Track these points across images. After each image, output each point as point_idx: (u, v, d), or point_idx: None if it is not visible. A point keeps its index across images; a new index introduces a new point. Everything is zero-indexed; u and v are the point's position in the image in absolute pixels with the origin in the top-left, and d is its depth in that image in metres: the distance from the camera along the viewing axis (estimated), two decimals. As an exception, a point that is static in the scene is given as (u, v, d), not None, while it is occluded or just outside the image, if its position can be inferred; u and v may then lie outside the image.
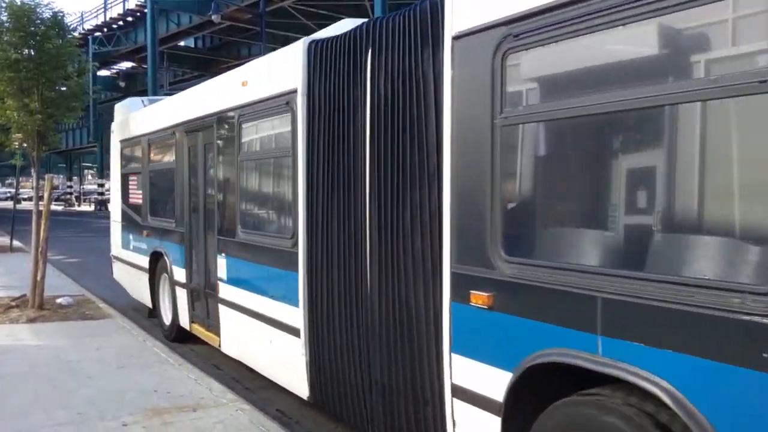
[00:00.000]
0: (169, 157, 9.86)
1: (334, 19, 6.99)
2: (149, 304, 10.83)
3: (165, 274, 10.03)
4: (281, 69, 6.62)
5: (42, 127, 11.42)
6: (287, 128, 6.41)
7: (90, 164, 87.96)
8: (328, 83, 5.82)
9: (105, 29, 52.56)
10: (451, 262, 4.38)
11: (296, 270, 6.18)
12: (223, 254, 7.78)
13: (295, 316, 6.23)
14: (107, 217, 49.82)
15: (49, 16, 11.48)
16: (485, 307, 4.06)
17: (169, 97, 10.33)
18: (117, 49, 52.76)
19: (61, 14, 11.61)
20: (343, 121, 5.63)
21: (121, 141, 12.01)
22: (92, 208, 62.11)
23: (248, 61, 7.99)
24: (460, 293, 4.30)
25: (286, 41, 8.64)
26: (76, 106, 11.99)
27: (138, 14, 48.34)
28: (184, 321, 9.33)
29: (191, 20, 44.72)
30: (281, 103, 6.46)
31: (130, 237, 11.48)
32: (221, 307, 7.92)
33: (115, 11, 51.60)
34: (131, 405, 6.49)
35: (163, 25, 45.56)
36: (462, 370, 4.31)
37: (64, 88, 11.83)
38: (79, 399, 6.72)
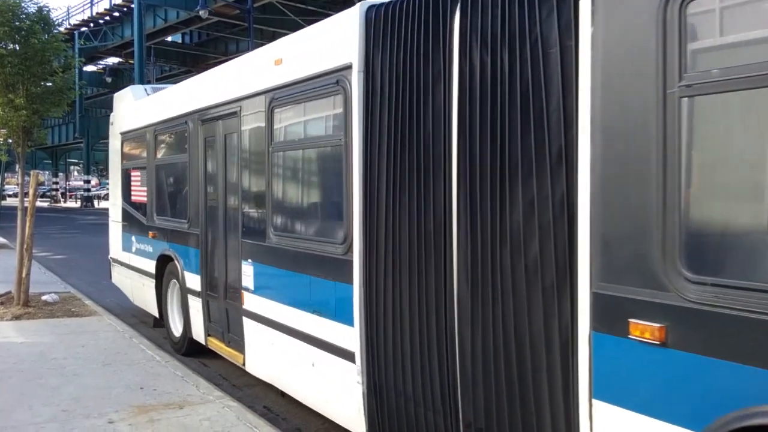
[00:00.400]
0: (181, 150, 8.75)
1: (323, 15, 6.84)
2: (155, 312, 9.72)
3: (174, 281, 8.94)
4: (329, 42, 5.55)
5: (27, 122, 11.22)
6: (337, 111, 5.36)
7: (76, 160, 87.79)
8: (396, 55, 4.75)
9: (91, 24, 52.23)
10: (591, 278, 3.34)
11: (350, 281, 5.12)
12: (248, 260, 6.71)
13: (349, 336, 5.17)
14: (93, 213, 50.15)
15: (34, 11, 11.36)
16: (655, 342, 3.02)
17: (179, 84, 9.21)
18: (103, 45, 52.39)
19: (47, 9, 11.52)
20: (417, 99, 4.56)
21: (122, 133, 10.86)
22: (78, 204, 61.81)
23: (236, 57, 7.32)
24: (608, 321, 3.27)
25: (273, 37, 8.01)
26: (61, 101, 11.79)
27: (125, 9, 48.01)
28: (199, 334, 8.24)
29: (178, 15, 44.69)
30: (329, 82, 5.40)
31: (133, 238, 10.35)
32: (246, 321, 6.84)
33: (102, 6, 51.24)
34: (117, 402, 6.42)
35: (150, 21, 45.46)
36: (611, 424, 3.27)
37: (49, 84, 11.74)
38: (65, 396, 6.62)
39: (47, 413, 6.10)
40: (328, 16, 5.79)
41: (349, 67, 5.13)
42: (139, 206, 10.11)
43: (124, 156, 10.95)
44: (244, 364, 7.03)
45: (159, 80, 52.90)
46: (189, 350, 8.64)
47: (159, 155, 9.47)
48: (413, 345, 4.61)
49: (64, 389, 6.80)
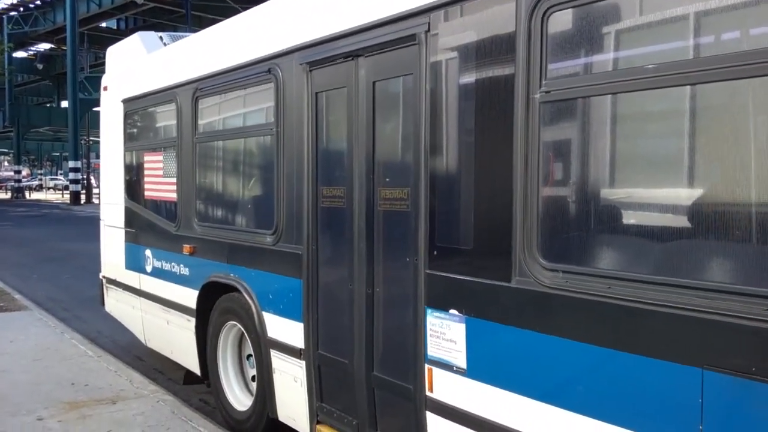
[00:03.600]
0: (256, 116, 5.58)
1: (260, 1, 5.47)
2: (193, 366, 6.48)
3: (235, 323, 5.76)
4: None
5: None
6: None
7: (6, 150, 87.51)
8: None
9: (21, 9, 51.96)
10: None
11: None
12: (452, 312, 3.61)
13: None
14: (24, 204, 52.72)
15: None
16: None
17: (249, 11, 5.83)
18: (34, 30, 52.35)
19: (-28, -9, 9.30)
20: None
21: (127, 100, 7.47)
22: (8, 195, 61.63)
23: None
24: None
25: (212, 24, 6.65)
26: (-13, 88, 9.40)
27: (57, -7, 49.06)
28: (292, 416, 5.08)
29: (113, 1, 45.06)
30: None
31: (148, 253, 7.03)
32: (436, 422, 3.78)
33: (33, -10, 51.80)
34: (47, 399, 6.20)
35: (84, 6, 45.36)
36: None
37: (-25, 70, 9.63)
38: (-8, 394, 6.42)
39: (-28, 413, 5.88)
40: (264, 1, 5.21)
41: None
42: (162, 206, 6.83)
43: (130, 133, 7.54)
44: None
45: (93, 67, 55.07)
46: (266, 435, 5.46)
47: (205, 128, 6.17)
48: None
49: (-9, 387, 6.56)
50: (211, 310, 6.02)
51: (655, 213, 2.86)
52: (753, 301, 2.42)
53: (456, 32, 3.60)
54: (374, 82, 4.21)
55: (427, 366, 3.81)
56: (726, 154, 2.61)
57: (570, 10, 3.03)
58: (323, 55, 4.57)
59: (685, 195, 2.76)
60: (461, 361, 3.60)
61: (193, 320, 6.21)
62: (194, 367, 6.41)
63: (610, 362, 2.89)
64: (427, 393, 3.82)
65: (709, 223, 2.64)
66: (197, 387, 6.76)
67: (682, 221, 2.76)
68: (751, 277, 2.49)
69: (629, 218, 2.99)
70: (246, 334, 5.61)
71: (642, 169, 2.97)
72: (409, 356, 3.96)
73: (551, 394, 3.14)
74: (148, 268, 7.05)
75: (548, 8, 3.08)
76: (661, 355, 2.70)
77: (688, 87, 2.67)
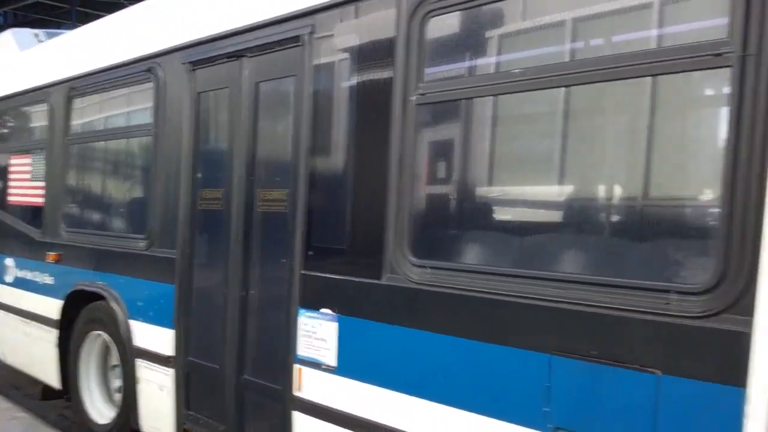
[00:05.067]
0: (133, 118, 5.43)
1: None
2: (52, 380, 6.12)
3: (100, 334, 5.52)
4: None
5: None
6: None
7: None
8: None
9: None
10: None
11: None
12: (322, 311, 3.63)
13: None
14: None
15: None
16: None
17: (132, 8, 5.67)
18: None
19: None
20: None
21: (-6, 100, 7.16)
22: None
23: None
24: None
25: None
26: None
27: (-77, -17, 44.19)
28: (157, 426, 4.89)
29: None
30: None
31: (8, 262, 6.66)
32: (302, 420, 3.75)
33: None
34: None
35: None
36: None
37: None
38: None
39: None
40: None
41: None
42: (26, 212, 6.51)
43: (-4, 134, 7.25)
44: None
45: (-32, 63, 49.25)
46: (129, 448, 5.25)
47: (78, 129, 5.95)
48: None
49: None
50: (76, 322, 5.78)
51: (516, 210, 3.02)
52: (595, 289, 2.58)
53: (340, 35, 3.66)
54: (258, 83, 4.20)
55: (296, 366, 3.79)
56: (585, 154, 2.79)
57: (447, 15, 3.16)
58: (206, 54, 4.53)
59: (542, 193, 2.93)
60: (331, 359, 3.60)
61: (54, 331, 5.90)
62: (54, 381, 6.08)
63: (472, 353, 2.98)
64: (295, 392, 3.80)
65: (560, 218, 2.84)
66: (56, 402, 6.45)
67: (538, 217, 2.93)
68: (595, 267, 2.68)
69: (493, 216, 3.15)
70: (112, 344, 5.41)
71: (505, 169, 3.13)
72: (280, 357, 3.94)
73: (419, 387, 3.19)
74: (7, 278, 6.67)
75: (426, 13, 3.19)
76: (516, 343, 2.82)
77: (556, 90, 2.83)
